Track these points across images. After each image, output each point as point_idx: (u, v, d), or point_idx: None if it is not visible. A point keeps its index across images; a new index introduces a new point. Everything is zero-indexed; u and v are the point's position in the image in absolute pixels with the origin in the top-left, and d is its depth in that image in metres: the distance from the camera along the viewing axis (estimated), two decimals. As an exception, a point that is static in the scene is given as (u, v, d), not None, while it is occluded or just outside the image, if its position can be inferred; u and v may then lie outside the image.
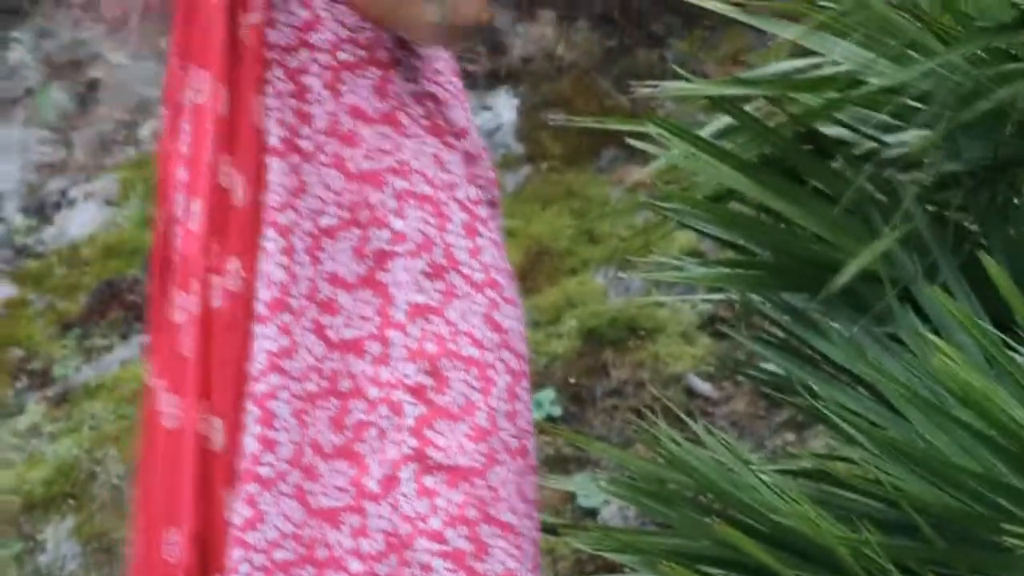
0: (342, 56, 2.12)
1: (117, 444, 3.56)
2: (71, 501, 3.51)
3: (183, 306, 2.12)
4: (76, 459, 3.55)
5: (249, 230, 2.09)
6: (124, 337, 3.86)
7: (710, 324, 3.62)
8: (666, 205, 2.46)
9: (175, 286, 2.13)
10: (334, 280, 2.11)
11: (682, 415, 2.50)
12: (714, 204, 2.44)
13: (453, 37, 2.11)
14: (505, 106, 4.28)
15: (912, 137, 2.38)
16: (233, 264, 2.09)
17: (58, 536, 3.48)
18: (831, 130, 2.45)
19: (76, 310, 3.93)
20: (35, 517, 3.50)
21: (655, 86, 2.56)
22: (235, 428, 2.08)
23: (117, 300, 3.92)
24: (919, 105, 2.35)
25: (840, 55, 2.41)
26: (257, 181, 2.10)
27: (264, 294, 2.10)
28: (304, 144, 2.12)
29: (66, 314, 3.92)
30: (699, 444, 2.29)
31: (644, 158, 2.59)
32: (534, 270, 3.82)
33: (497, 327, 2.13)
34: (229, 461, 2.08)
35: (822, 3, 2.44)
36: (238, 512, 2.07)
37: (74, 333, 3.88)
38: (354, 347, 2.10)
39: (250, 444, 2.08)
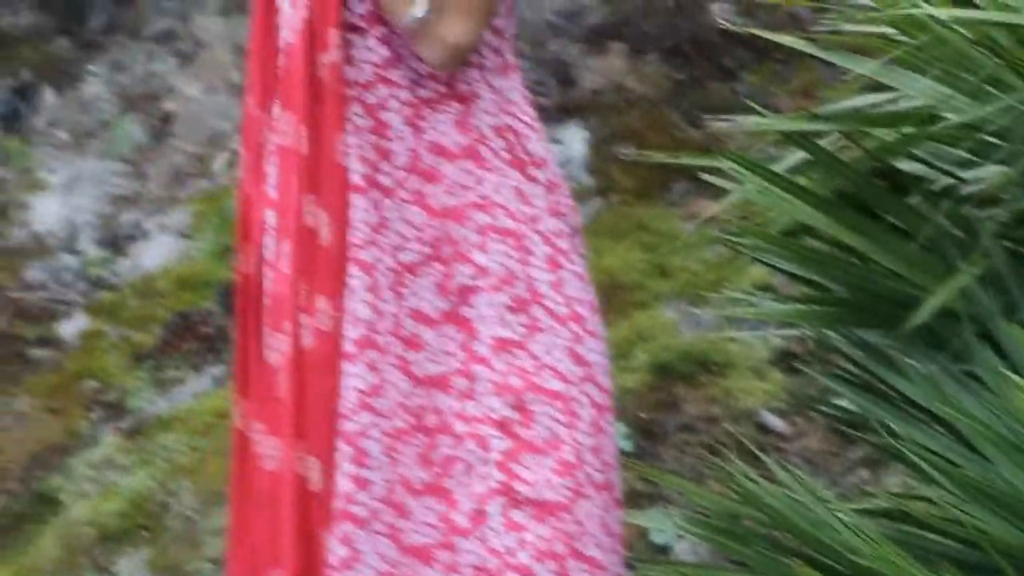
0: (422, 92, 2.13)
1: (191, 476, 3.57)
2: (145, 533, 3.52)
3: (276, 347, 2.13)
4: (150, 491, 3.56)
5: (336, 268, 2.10)
6: (197, 369, 3.88)
7: (782, 359, 3.60)
8: (740, 240, 2.46)
9: (268, 328, 2.14)
10: (417, 316, 2.12)
11: (756, 451, 2.49)
12: (788, 239, 2.44)
13: (434, 50, 2.09)
14: (575, 139, 4.28)
15: (990, 173, 2.36)
16: (322, 303, 2.10)
17: (132, 568, 3.49)
18: (907, 166, 2.43)
19: (150, 342, 3.94)
20: (109, 549, 3.52)
21: (728, 120, 2.56)
22: (330, 467, 2.09)
23: (191, 332, 3.94)
24: (997, 141, 2.33)
25: (916, 90, 2.40)
26: (342, 219, 2.11)
27: (351, 332, 2.10)
28: (384, 180, 2.13)
29: (140, 346, 3.94)
30: (773, 481, 2.27)
31: (715, 191, 2.58)
32: (605, 304, 3.82)
33: (581, 360, 2.14)
34: (326, 500, 2.09)
35: (896, 37, 2.43)
36: (334, 552, 2.08)
37: (148, 365, 3.90)
38: (439, 383, 2.11)
39: (343, 483, 2.09)
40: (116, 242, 4.27)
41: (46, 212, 4.34)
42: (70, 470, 3.67)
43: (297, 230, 2.11)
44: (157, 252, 4.22)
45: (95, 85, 4.61)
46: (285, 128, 2.13)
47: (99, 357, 3.93)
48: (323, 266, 2.10)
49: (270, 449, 2.11)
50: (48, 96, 4.61)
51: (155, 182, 4.42)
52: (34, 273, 4.19)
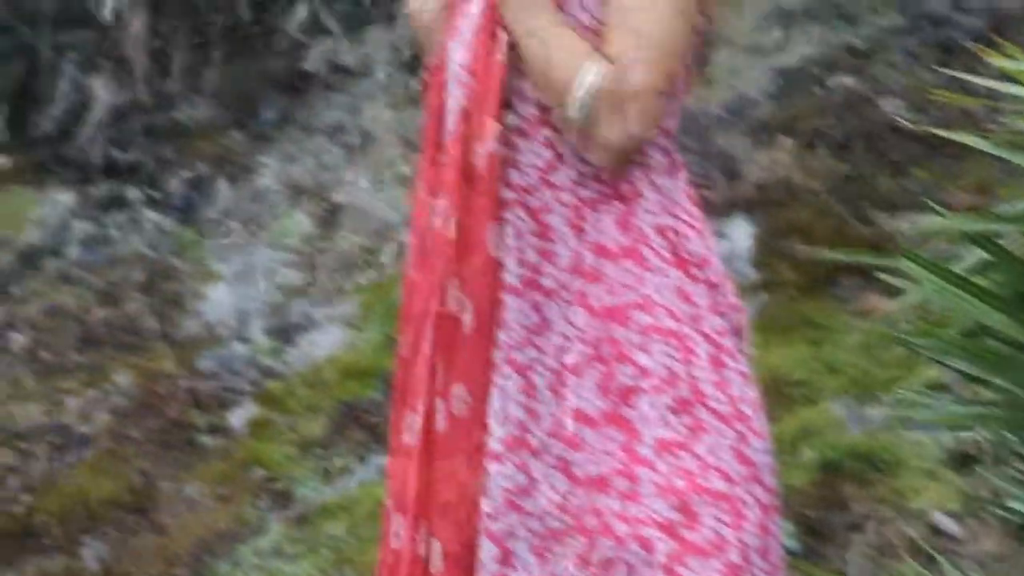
0: (584, 193, 2.13)
1: (355, 566, 3.59)
2: (310, 622, 3.54)
3: (410, 426, 2.14)
4: (315, 580, 3.59)
5: (478, 358, 2.10)
6: (363, 459, 3.91)
7: (955, 459, 3.53)
8: (917, 341, 2.41)
9: (409, 409, 2.15)
10: (579, 416, 2.10)
11: (933, 553, 2.43)
12: (968, 340, 2.39)
13: (597, 151, 2.09)
14: (741, 233, 4.26)
15: None
16: (459, 389, 2.11)
17: (295, 656, 3.51)
18: (1088, 266, 2.37)
19: (317, 431, 3.98)
20: (274, 637, 3.54)
21: (908, 218, 2.53)
22: (455, 555, 2.08)
23: (356, 422, 3.97)
24: None
25: (1098, 190, 2.34)
26: (488, 310, 2.11)
27: (499, 432, 2.10)
28: (547, 282, 2.13)
29: (307, 435, 3.98)
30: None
31: (883, 287, 2.54)
32: (770, 399, 3.78)
33: (746, 460, 2.11)
34: None
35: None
36: None
37: (315, 454, 3.94)
38: (600, 484, 2.09)
39: None
40: (285, 332, 4.33)
41: (218, 302, 4.41)
42: (238, 557, 3.71)
43: (438, 313, 2.12)
44: (325, 342, 4.26)
45: (266, 177, 4.70)
46: (439, 212, 2.15)
47: (267, 445, 3.97)
48: (463, 353, 2.10)
49: (397, 526, 2.12)
50: (222, 188, 4.70)
51: (323, 273, 4.48)
52: (206, 362, 4.26)
